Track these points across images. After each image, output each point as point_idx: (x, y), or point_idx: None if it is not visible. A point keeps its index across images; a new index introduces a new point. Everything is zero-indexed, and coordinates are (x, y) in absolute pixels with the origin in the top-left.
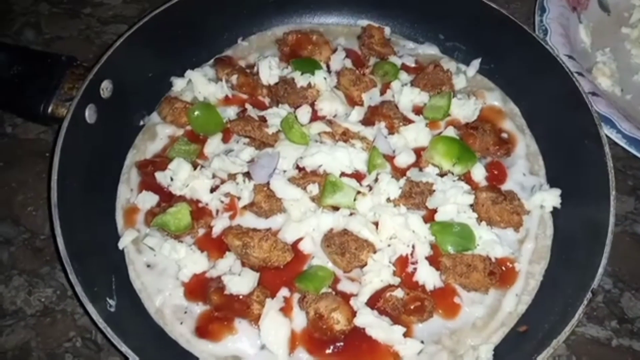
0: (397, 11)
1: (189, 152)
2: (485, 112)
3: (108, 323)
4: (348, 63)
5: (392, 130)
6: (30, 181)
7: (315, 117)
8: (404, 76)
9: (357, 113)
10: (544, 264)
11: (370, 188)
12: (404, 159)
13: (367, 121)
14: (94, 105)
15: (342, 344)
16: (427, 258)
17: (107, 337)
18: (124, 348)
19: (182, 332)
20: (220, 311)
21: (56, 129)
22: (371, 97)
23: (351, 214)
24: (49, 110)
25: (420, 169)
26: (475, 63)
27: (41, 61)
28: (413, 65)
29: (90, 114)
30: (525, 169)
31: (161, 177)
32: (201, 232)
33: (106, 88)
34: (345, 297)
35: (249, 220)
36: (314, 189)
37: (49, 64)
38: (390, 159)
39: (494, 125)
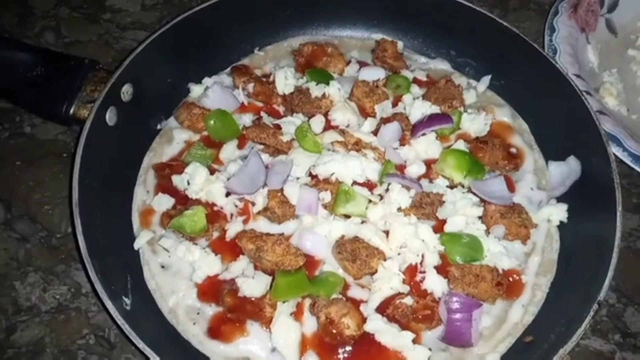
0: (410, 26)
1: (205, 156)
2: (495, 127)
3: (126, 320)
4: None
5: (403, 142)
6: (47, 180)
7: (328, 126)
8: (416, 90)
9: (370, 124)
10: (550, 277)
11: (382, 197)
12: (415, 170)
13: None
14: (115, 108)
15: (351, 348)
16: (435, 267)
17: (124, 333)
18: (141, 345)
19: (194, 333)
20: (233, 313)
21: (75, 130)
22: (383, 108)
23: (362, 222)
24: (71, 111)
25: (431, 180)
26: (486, 79)
27: (64, 63)
28: (425, 79)
29: (110, 117)
30: (533, 183)
31: (178, 180)
32: (215, 235)
33: (127, 92)
34: (355, 303)
35: (262, 225)
36: (326, 196)
37: (72, 66)
38: (401, 168)
39: (503, 140)
